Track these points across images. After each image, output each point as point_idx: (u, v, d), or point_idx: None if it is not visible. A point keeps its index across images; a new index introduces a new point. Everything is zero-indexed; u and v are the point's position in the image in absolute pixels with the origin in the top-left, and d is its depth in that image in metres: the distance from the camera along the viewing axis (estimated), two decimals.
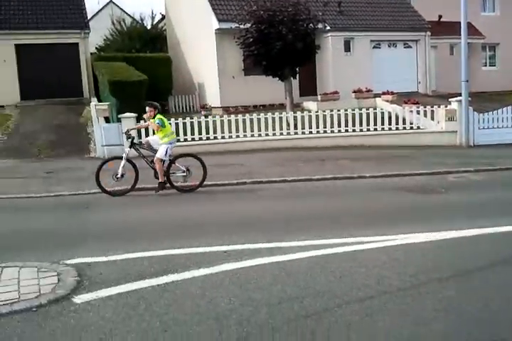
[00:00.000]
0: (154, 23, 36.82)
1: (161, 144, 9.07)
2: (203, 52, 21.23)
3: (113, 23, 33.53)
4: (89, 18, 24.70)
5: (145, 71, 16.68)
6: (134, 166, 9.12)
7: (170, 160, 9.22)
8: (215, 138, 14.37)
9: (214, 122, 14.41)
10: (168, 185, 9.17)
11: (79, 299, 4.43)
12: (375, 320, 3.91)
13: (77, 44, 21.72)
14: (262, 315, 4.00)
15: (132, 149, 9.26)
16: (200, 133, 14.16)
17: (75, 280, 4.79)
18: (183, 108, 22.13)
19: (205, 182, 9.44)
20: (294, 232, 6.40)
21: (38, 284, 4.70)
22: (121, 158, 9.10)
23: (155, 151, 9.14)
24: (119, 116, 13.32)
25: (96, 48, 31.45)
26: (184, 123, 14.07)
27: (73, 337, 3.79)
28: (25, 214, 8.04)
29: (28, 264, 5.24)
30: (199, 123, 14.25)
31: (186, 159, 9.57)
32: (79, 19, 22.12)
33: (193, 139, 14.10)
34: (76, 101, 20.18)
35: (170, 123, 9.61)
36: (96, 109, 13.86)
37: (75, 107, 19.13)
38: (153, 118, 9.08)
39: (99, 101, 17.00)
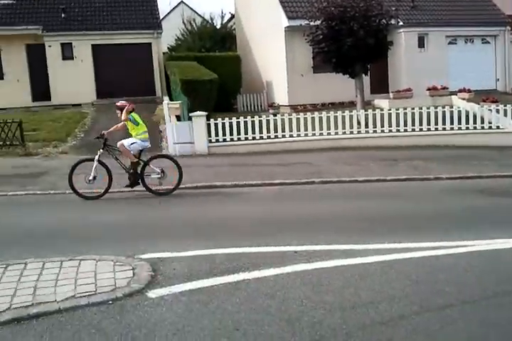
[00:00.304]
0: (224, 22, 37.27)
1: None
2: (271, 50, 21.23)
3: (184, 23, 34.25)
4: (161, 18, 25.34)
5: (215, 70, 16.89)
6: (107, 168, 8.90)
7: (144, 162, 9.06)
8: (283, 136, 14.30)
9: (282, 120, 14.35)
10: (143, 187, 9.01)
11: (153, 294, 4.50)
12: (457, 330, 3.70)
13: (150, 44, 22.35)
14: (335, 319, 3.89)
15: (105, 151, 9.07)
16: (268, 131, 14.15)
17: (149, 275, 4.88)
18: (251, 106, 22.25)
19: (274, 181, 9.44)
20: (367, 235, 6.21)
21: (113, 277, 4.83)
22: (92, 159, 8.94)
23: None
24: (191, 114, 13.55)
25: (168, 48, 32.26)
26: (253, 122, 14.11)
27: (148, 331, 3.85)
28: (101, 207, 8.34)
29: (104, 258, 5.39)
30: (267, 121, 14.23)
31: (161, 160, 9.43)
32: (152, 20, 22.76)
33: (261, 138, 14.11)
34: (149, 100, 20.76)
35: (145, 124, 9.34)
36: (168, 107, 14.18)
37: (148, 106, 19.64)
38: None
39: (171, 100, 17.40)
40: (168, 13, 39.99)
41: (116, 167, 9.13)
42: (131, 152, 8.88)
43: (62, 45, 21.52)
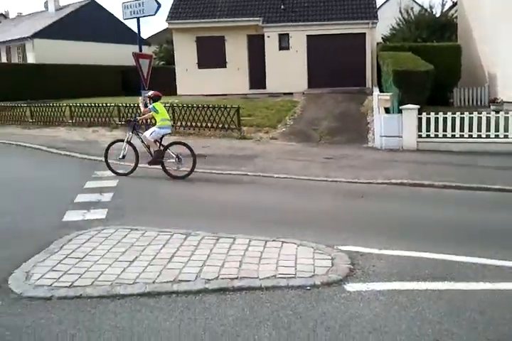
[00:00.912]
0: (444, 10, 35.00)
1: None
2: (501, 40, 19.21)
3: (400, 12, 33.09)
4: (377, 7, 24.83)
5: (431, 61, 15.91)
6: (135, 149, 9.92)
7: (164, 146, 9.74)
8: (506, 136, 12.83)
9: (506, 119, 12.89)
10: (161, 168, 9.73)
11: (350, 287, 4.46)
12: None
13: (364, 34, 22.08)
14: None
15: (134, 134, 10.07)
16: (488, 129, 12.85)
17: (347, 268, 4.85)
18: (468, 101, 20.52)
19: (493, 186, 8.59)
20: None
21: (312, 264, 4.91)
22: (123, 140, 10.03)
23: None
24: (401, 107, 13.04)
25: (382, 38, 31.58)
26: (470, 118, 12.95)
27: (343, 323, 3.83)
28: (304, 194, 8.53)
29: (305, 243, 5.52)
30: (487, 119, 12.93)
31: (178, 147, 9.93)
32: (368, 9, 22.43)
33: (478, 136, 12.89)
34: (358, 91, 20.65)
35: (168, 112, 10.25)
36: (378, 99, 13.88)
37: (357, 96, 19.59)
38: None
39: (381, 91, 17.00)
40: (385, 2, 39.07)
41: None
42: (153, 139, 9.72)
43: (280, 35, 22.57)
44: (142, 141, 10.06)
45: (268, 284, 4.49)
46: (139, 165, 10.00)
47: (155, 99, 9.97)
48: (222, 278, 4.59)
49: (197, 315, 4.00)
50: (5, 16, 54.51)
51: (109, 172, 10.07)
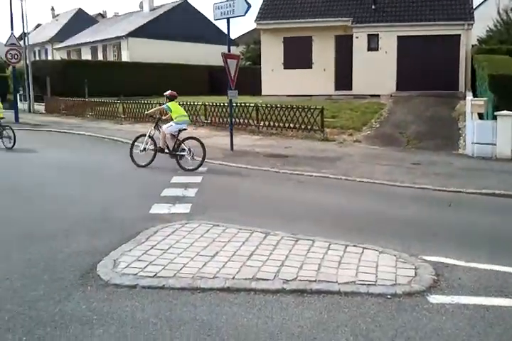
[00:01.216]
0: None
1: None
2: None
3: (499, 13, 31.31)
4: (474, 8, 23.66)
5: None
6: (155, 143, 10.80)
7: (179, 140, 10.53)
8: None
9: None
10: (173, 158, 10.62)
11: (434, 299, 4.29)
12: None
13: (458, 36, 21.13)
14: None
15: (155, 129, 10.95)
16: None
17: (431, 278, 4.66)
18: None
19: None
20: None
21: (394, 273, 4.77)
22: (145, 135, 10.99)
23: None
24: (496, 113, 12.34)
25: (477, 40, 30.06)
26: None
27: (423, 335, 3.70)
28: (388, 200, 8.32)
29: (387, 251, 5.37)
30: None
31: (191, 141, 10.66)
32: (464, 10, 21.41)
33: None
34: (449, 95, 19.81)
35: (183, 109, 11.17)
36: (471, 104, 13.22)
37: (448, 100, 18.79)
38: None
39: (475, 96, 16.20)
40: (482, 2, 37.09)
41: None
42: (169, 132, 10.58)
43: (369, 36, 22.14)
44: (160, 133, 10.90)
45: (347, 289, 4.42)
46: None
47: (171, 98, 10.86)
48: (301, 280, 4.58)
49: (274, 314, 4.01)
50: (103, 16, 57.79)
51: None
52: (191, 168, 10.33)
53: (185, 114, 11.17)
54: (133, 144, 11.12)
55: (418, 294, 4.36)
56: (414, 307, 4.14)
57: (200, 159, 10.40)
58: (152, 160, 10.77)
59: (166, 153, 10.74)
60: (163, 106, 10.97)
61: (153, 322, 3.86)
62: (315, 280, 4.57)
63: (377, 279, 4.61)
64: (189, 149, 10.43)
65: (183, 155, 10.49)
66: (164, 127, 10.71)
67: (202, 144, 10.48)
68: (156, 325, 3.83)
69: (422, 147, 13.29)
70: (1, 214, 7.08)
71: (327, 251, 5.31)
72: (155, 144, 10.88)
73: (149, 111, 11.74)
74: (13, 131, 13.70)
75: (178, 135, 10.70)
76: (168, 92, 11.01)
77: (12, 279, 4.64)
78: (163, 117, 11.26)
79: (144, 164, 10.74)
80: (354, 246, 5.49)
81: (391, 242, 5.77)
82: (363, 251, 5.33)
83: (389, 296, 4.32)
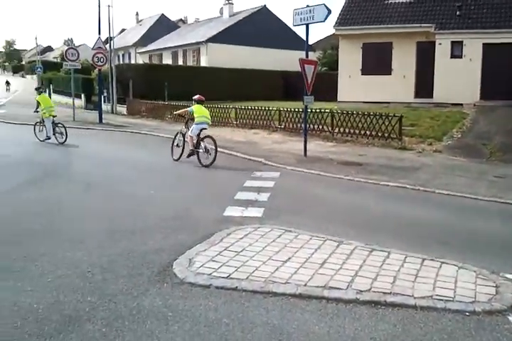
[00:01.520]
0: None
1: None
2: None
3: None
4: None
5: None
6: (184, 140, 12.12)
7: (200, 138, 11.66)
8: None
9: None
10: (194, 155, 11.68)
11: None
12: None
13: None
14: None
15: (186, 128, 12.16)
16: None
17: None
18: None
19: None
20: None
21: (474, 290, 4.56)
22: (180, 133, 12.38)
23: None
24: None
25: None
26: None
27: None
28: (469, 214, 7.95)
29: (467, 267, 5.14)
30: None
31: (209, 140, 11.64)
32: None
33: None
34: None
35: (207, 111, 12.15)
36: None
37: None
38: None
39: None
40: None
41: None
42: (194, 134, 11.64)
43: (453, 43, 21.34)
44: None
45: (423, 304, 4.27)
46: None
47: (198, 101, 12.05)
48: (375, 291, 4.48)
49: (346, 324, 3.95)
50: (184, 22, 59.71)
51: (266, 173, 10.55)
52: (206, 163, 11.39)
53: (207, 115, 12.10)
54: (174, 141, 12.53)
55: (499, 313, 4.15)
56: (495, 327, 3.94)
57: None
58: (181, 155, 12.07)
59: (193, 153, 11.81)
60: (189, 108, 12.21)
61: (226, 323, 3.93)
62: (390, 293, 4.46)
63: (455, 295, 4.43)
64: (205, 147, 11.53)
65: (200, 152, 11.63)
66: (188, 132, 11.94)
67: (215, 142, 11.52)
68: (228, 325, 3.89)
69: (506, 160, 12.56)
70: (86, 211, 7.46)
71: (403, 264, 5.16)
72: (184, 141, 12.21)
73: (178, 112, 12.80)
74: (65, 128, 15.28)
75: (199, 134, 11.76)
76: (196, 97, 12.21)
77: (94, 273, 4.88)
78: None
79: (175, 158, 12.16)
80: (431, 259, 5.30)
81: (470, 258, 5.51)
82: (440, 266, 5.14)
83: (467, 313, 4.14)
